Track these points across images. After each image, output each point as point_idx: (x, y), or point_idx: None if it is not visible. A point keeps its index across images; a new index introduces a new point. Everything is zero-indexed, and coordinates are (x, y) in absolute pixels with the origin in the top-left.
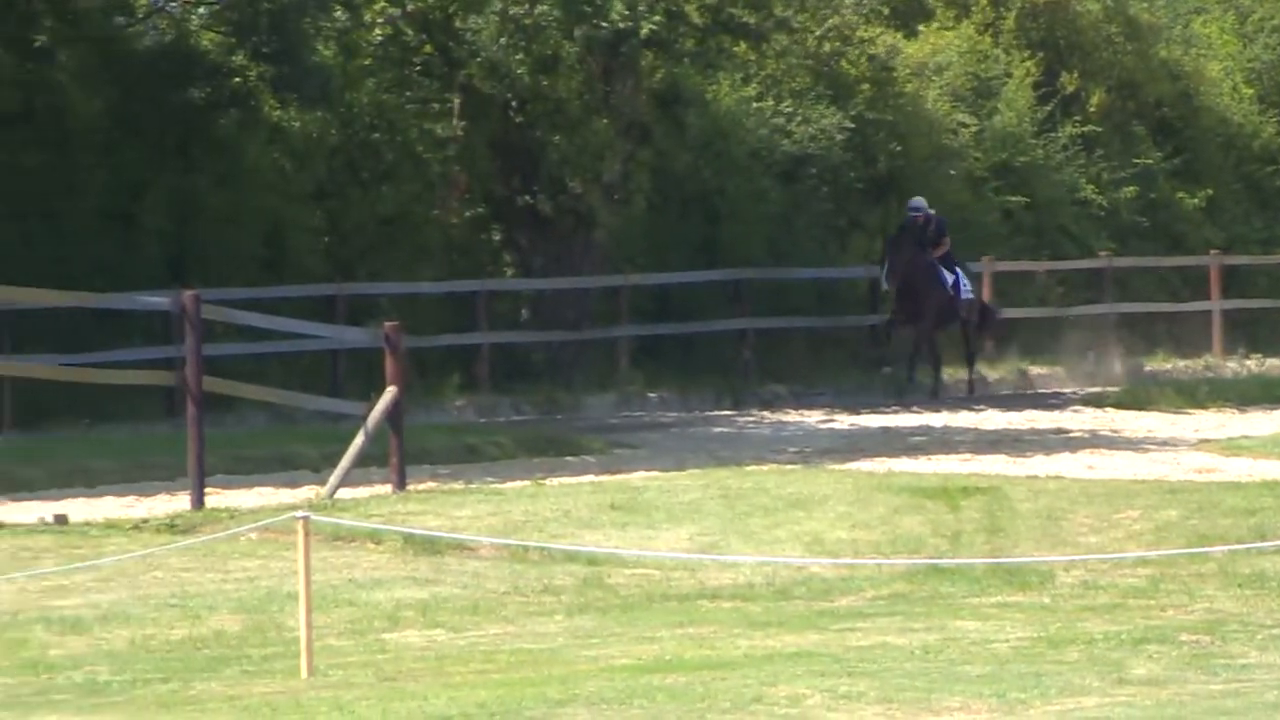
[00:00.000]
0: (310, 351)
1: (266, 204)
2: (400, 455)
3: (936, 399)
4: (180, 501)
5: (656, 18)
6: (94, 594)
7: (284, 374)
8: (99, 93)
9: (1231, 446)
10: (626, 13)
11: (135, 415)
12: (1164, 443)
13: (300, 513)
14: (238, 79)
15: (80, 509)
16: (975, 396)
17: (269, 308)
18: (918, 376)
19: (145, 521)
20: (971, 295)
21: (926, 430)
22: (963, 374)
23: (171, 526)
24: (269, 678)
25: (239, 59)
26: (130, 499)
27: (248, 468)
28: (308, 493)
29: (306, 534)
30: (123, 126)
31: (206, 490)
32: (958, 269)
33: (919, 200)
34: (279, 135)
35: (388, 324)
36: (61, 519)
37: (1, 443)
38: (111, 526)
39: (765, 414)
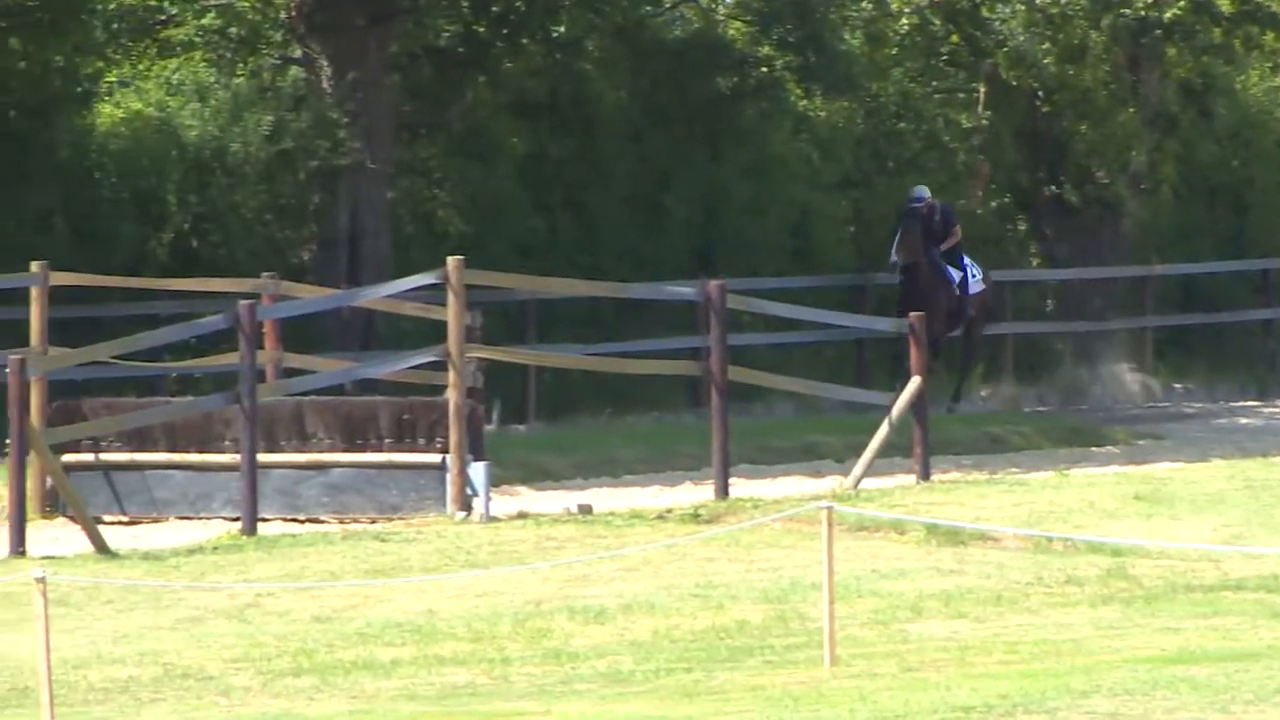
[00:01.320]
0: (836, 342)
1: (793, 193)
2: (924, 445)
3: (956, 405)
4: (704, 491)
5: (1181, 4)
6: (618, 583)
7: (809, 364)
8: (625, 82)
9: None
10: (1151, 0)
11: (660, 405)
12: None
13: (824, 503)
14: (764, 68)
15: (605, 498)
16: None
17: (795, 297)
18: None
19: (669, 511)
20: (983, 287)
21: None
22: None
23: (695, 516)
24: (791, 668)
25: (765, 48)
26: (654, 488)
27: (772, 457)
28: (831, 483)
29: (830, 524)
30: (649, 116)
31: (731, 480)
32: (966, 263)
33: (921, 189)
34: (805, 124)
35: (913, 314)
36: (586, 509)
37: (527, 432)
38: (636, 516)
39: None
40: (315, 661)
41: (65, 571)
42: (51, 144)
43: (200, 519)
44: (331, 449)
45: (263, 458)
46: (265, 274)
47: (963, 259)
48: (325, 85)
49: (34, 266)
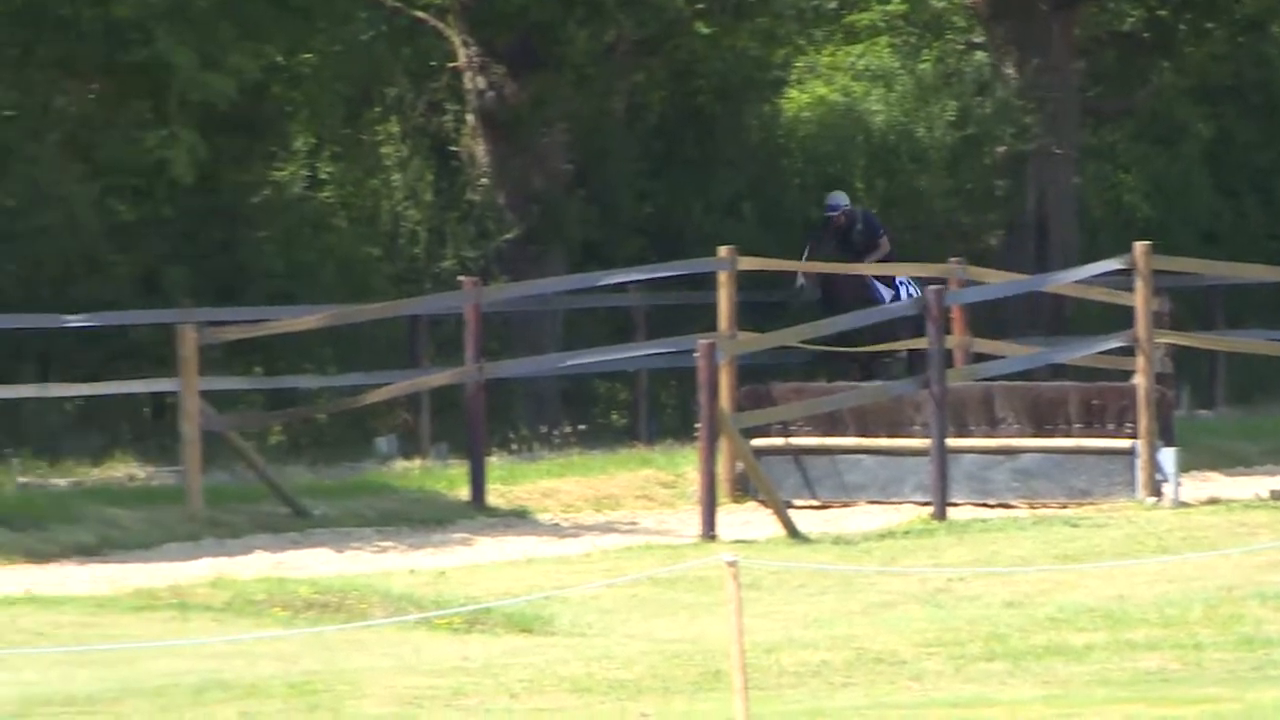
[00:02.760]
0: None
1: None
2: None
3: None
4: None
5: None
6: None
7: None
8: None
9: None
10: None
11: None
12: None
13: None
14: None
15: None
16: None
17: None
18: None
19: None
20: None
21: None
22: None
23: None
24: None
25: None
26: None
27: None
28: None
29: None
30: None
31: None
32: (900, 280)
33: (838, 196)
34: None
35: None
36: (1278, 494)
37: (1216, 418)
38: None
39: None
40: (1007, 646)
41: (756, 556)
42: (740, 130)
43: (890, 504)
44: (1020, 434)
45: (952, 442)
46: (952, 259)
47: (895, 276)
48: (1009, 71)
49: (722, 251)
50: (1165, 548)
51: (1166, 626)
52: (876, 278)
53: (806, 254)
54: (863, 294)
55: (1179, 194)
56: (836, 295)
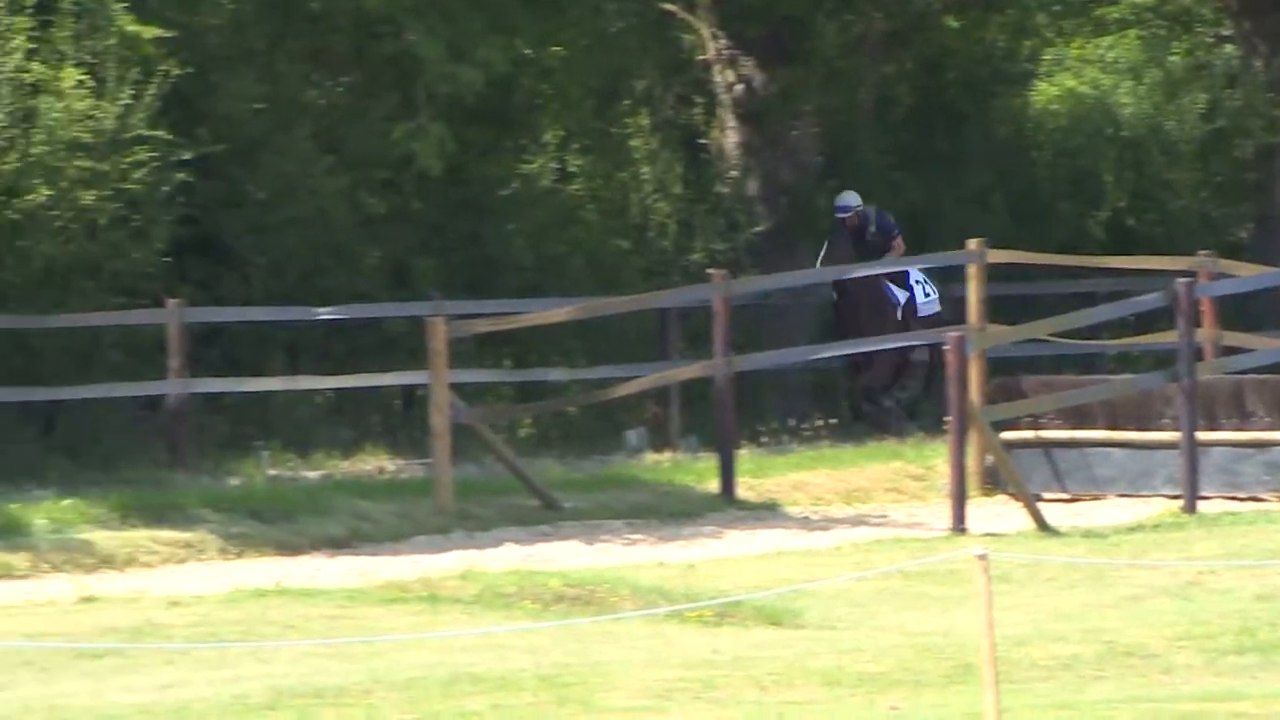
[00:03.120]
0: None
1: None
2: None
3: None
4: None
5: None
6: None
7: None
8: None
9: None
10: None
11: None
12: None
13: None
14: None
15: None
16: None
17: None
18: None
19: None
20: (937, 309)
21: None
22: None
23: None
24: None
25: None
26: None
27: None
28: None
29: None
30: None
31: None
32: (915, 280)
33: (849, 197)
34: None
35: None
36: None
37: None
38: None
39: None
40: (1258, 640)
41: (1006, 549)
42: (989, 122)
43: (1140, 497)
44: (1271, 427)
45: (1202, 435)
46: (1202, 251)
47: (909, 275)
48: (1258, 64)
49: (971, 244)
50: None
51: None
52: (889, 279)
53: (821, 259)
54: (878, 297)
55: None
56: (851, 301)
